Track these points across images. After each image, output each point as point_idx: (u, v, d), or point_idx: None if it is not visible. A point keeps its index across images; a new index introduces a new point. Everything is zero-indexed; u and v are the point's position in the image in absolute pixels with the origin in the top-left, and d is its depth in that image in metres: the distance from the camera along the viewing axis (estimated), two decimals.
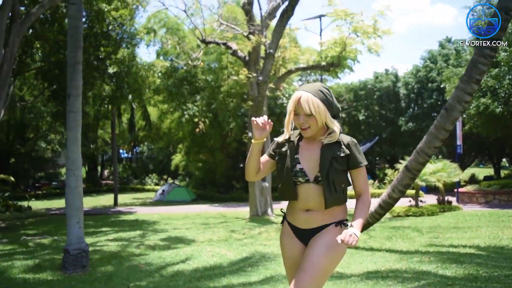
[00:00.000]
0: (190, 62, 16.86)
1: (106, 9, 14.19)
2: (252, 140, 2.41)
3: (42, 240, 9.74)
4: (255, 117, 2.39)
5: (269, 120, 2.40)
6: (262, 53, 13.71)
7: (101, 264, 6.88)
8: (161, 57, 24.34)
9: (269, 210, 12.97)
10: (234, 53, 14.31)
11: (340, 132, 2.40)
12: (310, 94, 2.32)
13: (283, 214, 2.60)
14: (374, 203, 7.16)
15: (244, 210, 15.85)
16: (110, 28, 14.74)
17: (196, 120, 19.29)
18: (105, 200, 24.83)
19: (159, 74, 18.02)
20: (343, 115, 27.87)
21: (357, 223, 2.29)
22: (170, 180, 33.98)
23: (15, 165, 29.14)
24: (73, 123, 6.48)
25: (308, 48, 23.19)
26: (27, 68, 15.43)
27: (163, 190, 24.80)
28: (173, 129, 25.51)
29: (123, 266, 6.63)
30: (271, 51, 12.48)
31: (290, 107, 2.38)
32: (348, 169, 2.40)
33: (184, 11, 16.13)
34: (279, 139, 2.51)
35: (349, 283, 5.07)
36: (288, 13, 12.71)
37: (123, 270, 6.38)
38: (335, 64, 14.03)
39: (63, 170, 43.30)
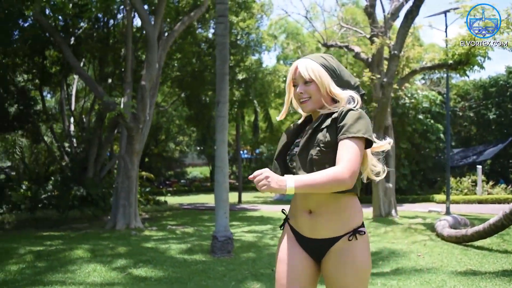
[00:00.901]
0: None
1: (235, 21, 15.36)
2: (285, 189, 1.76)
3: (186, 229, 10.99)
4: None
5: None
6: (385, 54, 13.73)
7: (242, 251, 7.69)
8: (281, 61, 25.33)
9: (393, 211, 12.95)
10: (357, 55, 14.51)
11: (356, 106, 1.89)
12: (309, 59, 1.96)
13: (284, 215, 2.08)
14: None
15: (365, 211, 15.93)
16: (238, 37, 15.91)
17: None
18: (230, 196, 26.47)
19: (284, 78, 18.88)
20: (471, 114, 26.27)
21: (294, 177, 1.72)
22: None
23: (149, 164, 32.37)
24: (221, 127, 7.35)
25: (432, 45, 22.39)
26: (168, 78, 17.28)
27: None
28: None
29: (263, 253, 7.37)
30: (396, 52, 12.48)
31: (288, 79, 2.03)
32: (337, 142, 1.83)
33: (306, 17, 16.79)
34: (279, 117, 2.11)
35: (484, 278, 5.16)
36: (413, 13, 12.59)
37: (264, 256, 7.11)
38: (463, 62, 13.49)
39: (189, 169, 46.95)
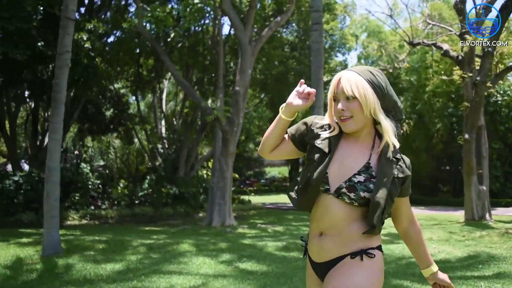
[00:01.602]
0: (396, 64, 17.14)
1: None
2: (282, 108, 1.82)
3: (276, 228, 11.41)
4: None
5: (313, 90, 1.81)
6: (477, 51, 13.23)
7: None
8: (362, 61, 25.08)
9: (487, 215, 12.46)
10: (446, 53, 14.10)
11: (397, 140, 1.76)
12: (354, 73, 1.73)
13: (303, 243, 1.94)
14: None
15: (454, 214, 15.43)
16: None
17: None
18: None
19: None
20: None
21: (434, 263, 1.90)
22: None
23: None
24: None
25: None
26: (253, 81, 17.87)
27: None
28: None
29: None
30: (490, 49, 12.01)
31: (330, 92, 1.78)
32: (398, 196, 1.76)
33: (390, 16, 16.55)
34: (320, 122, 1.86)
35: None
36: (508, 8, 12.04)
37: None
38: None
39: (267, 169, 47.72)
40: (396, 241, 9.03)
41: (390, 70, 20.45)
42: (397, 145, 1.74)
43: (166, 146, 18.64)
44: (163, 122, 19.63)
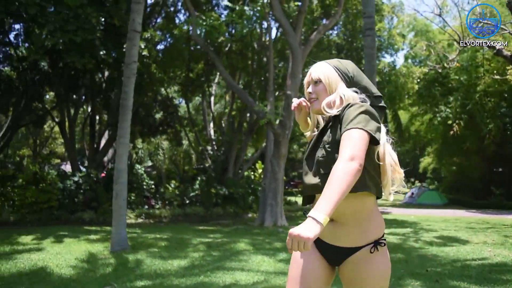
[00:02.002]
0: (445, 64, 16.88)
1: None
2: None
3: None
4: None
5: (303, 100, 2.06)
6: None
7: (391, 251, 8.01)
8: (409, 61, 24.74)
9: None
10: (499, 52, 13.78)
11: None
12: (323, 62, 1.97)
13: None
14: None
15: (508, 218, 15.07)
16: None
17: (449, 122, 19.05)
18: None
19: (418, 80, 18.54)
20: None
21: (320, 208, 1.58)
22: (418, 183, 33.88)
23: None
24: None
25: None
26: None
27: (412, 193, 25.14)
28: (421, 131, 25.53)
29: (412, 255, 7.64)
30: None
31: (305, 83, 2.02)
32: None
33: (439, 15, 16.33)
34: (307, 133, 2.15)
35: None
36: None
37: (414, 258, 7.37)
38: None
39: None
40: (449, 243, 9.03)
41: (439, 70, 20.17)
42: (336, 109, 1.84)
43: (215, 147, 19.16)
44: (211, 125, 20.17)
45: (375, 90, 1.94)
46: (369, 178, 1.78)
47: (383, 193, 1.91)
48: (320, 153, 1.82)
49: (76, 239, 8.70)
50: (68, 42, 10.05)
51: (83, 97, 18.93)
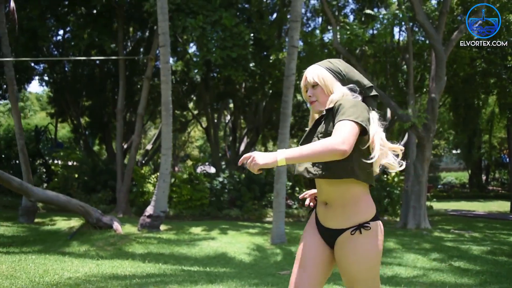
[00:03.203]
0: None
1: None
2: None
3: (471, 233, 11.32)
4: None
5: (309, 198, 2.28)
6: None
7: None
8: None
9: None
10: None
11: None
12: (316, 65, 2.14)
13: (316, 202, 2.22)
14: None
15: None
16: None
17: None
18: (497, 205, 24.76)
19: None
20: None
21: (285, 150, 1.84)
22: None
23: None
24: None
25: None
26: None
27: None
28: None
29: None
30: None
31: (301, 86, 2.19)
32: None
33: None
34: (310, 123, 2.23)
35: None
36: None
37: None
38: None
39: (442, 174, 45.19)
40: None
41: None
42: (332, 104, 2.00)
43: None
44: None
45: (366, 82, 2.11)
46: (358, 167, 1.94)
47: (375, 170, 2.07)
48: (321, 130, 2.01)
49: (237, 232, 9.85)
50: (226, 58, 11.37)
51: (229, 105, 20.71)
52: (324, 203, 2.04)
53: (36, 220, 10.38)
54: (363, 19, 15.29)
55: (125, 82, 14.13)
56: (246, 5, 15.15)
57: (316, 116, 2.13)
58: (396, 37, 16.06)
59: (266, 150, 27.05)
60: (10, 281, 4.07)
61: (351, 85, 2.05)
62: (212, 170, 20.77)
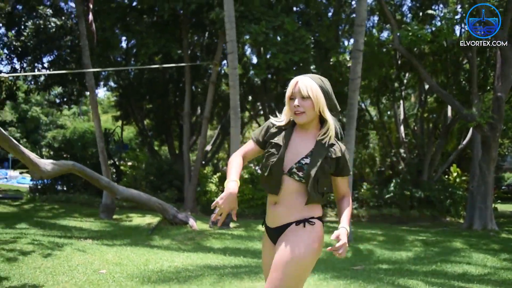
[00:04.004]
0: None
1: None
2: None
3: None
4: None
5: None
6: None
7: None
8: None
9: None
10: None
11: (339, 135, 2.26)
12: (309, 78, 2.20)
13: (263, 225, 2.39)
14: None
15: None
16: None
17: None
18: None
19: None
20: None
21: (345, 224, 2.18)
22: None
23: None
24: None
25: None
26: None
27: None
28: None
29: None
30: None
31: (288, 92, 2.24)
32: (335, 174, 2.25)
33: None
34: (276, 123, 2.30)
35: None
36: None
37: None
38: None
39: (507, 175, 43.10)
40: None
41: None
42: (333, 136, 2.22)
43: (408, 150, 19.36)
44: (401, 127, 20.37)
45: (338, 106, 2.29)
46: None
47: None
48: (320, 174, 2.16)
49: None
50: (289, 62, 11.74)
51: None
52: (273, 204, 2.22)
53: (114, 216, 11.20)
54: (420, 17, 15.17)
55: (190, 87, 14.83)
56: (305, 8, 15.46)
57: (284, 121, 2.27)
58: (457, 34, 15.76)
59: None
60: (120, 268, 4.65)
61: (334, 113, 2.23)
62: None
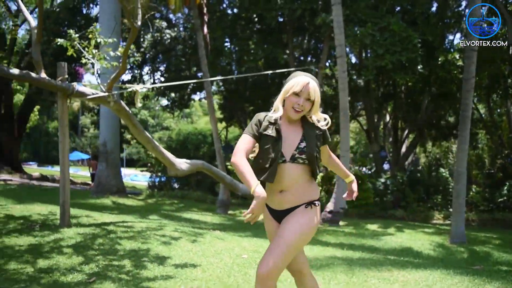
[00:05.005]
0: None
1: None
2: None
3: None
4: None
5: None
6: None
7: None
8: None
9: None
10: None
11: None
12: (315, 83, 2.50)
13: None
14: None
15: None
16: None
17: None
18: None
19: None
20: None
21: (349, 173, 2.78)
22: None
23: None
24: None
25: None
26: None
27: None
28: None
29: None
30: None
31: (297, 88, 2.46)
32: (322, 145, 2.60)
33: None
34: (273, 116, 2.52)
35: None
36: None
37: None
38: None
39: None
40: None
41: None
42: (320, 122, 2.57)
43: None
44: None
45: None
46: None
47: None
48: (315, 151, 2.48)
49: (413, 230, 10.25)
50: (396, 62, 11.81)
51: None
52: (279, 191, 2.49)
53: (229, 212, 12.11)
54: None
55: None
56: (409, 7, 15.27)
57: (277, 116, 2.54)
58: None
59: (425, 152, 26.30)
60: (258, 254, 5.27)
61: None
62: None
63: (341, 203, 10.05)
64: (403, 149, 20.01)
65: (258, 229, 9.15)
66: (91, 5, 18.25)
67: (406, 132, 20.33)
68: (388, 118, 22.43)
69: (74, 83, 6.46)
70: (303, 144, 2.49)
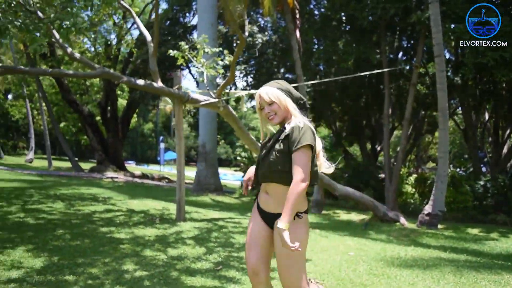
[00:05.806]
0: None
1: None
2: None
3: None
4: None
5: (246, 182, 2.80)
6: None
7: None
8: None
9: None
10: None
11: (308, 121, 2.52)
12: (266, 87, 2.58)
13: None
14: None
15: None
16: None
17: None
18: None
19: None
20: None
21: (284, 220, 2.31)
22: None
23: None
24: None
25: None
26: None
27: None
28: None
29: None
30: None
31: (256, 106, 2.61)
32: (291, 152, 2.40)
33: None
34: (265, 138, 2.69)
35: None
36: None
37: None
38: None
39: None
40: None
41: None
42: (294, 123, 2.45)
43: None
44: None
45: (303, 97, 2.62)
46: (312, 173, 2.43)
47: (320, 171, 2.63)
48: (272, 156, 2.46)
49: None
50: (499, 59, 11.24)
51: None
52: (265, 193, 2.57)
53: (323, 212, 12.33)
54: None
55: (389, 90, 15.20)
56: None
57: (271, 129, 2.69)
58: None
59: None
60: (363, 252, 5.49)
61: (300, 101, 2.57)
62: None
63: (439, 206, 9.83)
64: (505, 150, 18.79)
65: (356, 229, 9.31)
66: (187, 14, 19.40)
67: (508, 131, 19.08)
68: (487, 116, 21.18)
69: (189, 91, 7.12)
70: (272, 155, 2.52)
